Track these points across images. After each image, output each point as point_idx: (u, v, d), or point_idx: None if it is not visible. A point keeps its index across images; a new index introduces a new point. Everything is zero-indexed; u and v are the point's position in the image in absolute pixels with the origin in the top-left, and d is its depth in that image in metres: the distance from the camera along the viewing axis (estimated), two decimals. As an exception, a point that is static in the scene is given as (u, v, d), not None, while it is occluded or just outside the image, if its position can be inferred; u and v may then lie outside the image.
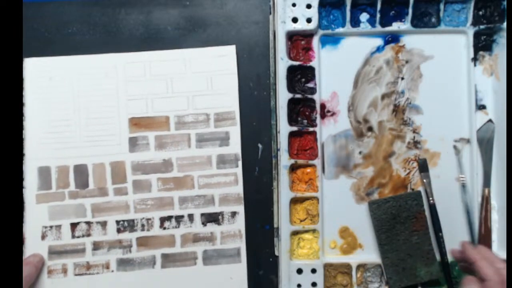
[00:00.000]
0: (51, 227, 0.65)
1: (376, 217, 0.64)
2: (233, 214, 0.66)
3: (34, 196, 0.65)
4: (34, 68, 0.67)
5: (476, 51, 0.66)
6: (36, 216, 0.65)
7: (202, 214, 0.66)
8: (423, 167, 0.65)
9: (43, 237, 0.65)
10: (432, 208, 0.65)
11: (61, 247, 0.65)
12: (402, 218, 0.64)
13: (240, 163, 0.67)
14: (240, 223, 0.66)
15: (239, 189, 0.67)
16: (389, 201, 0.64)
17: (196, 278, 0.65)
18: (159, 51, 0.68)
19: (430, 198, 0.65)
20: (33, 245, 0.65)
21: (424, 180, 0.65)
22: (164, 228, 0.66)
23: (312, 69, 0.66)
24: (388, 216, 0.64)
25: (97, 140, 0.66)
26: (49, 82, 0.67)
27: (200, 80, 0.67)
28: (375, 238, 0.65)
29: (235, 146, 0.67)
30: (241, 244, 0.66)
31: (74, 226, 0.65)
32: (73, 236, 0.65)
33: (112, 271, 0.65)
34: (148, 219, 0.66)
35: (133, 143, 0.66)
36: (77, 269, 0.65)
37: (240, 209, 0.66)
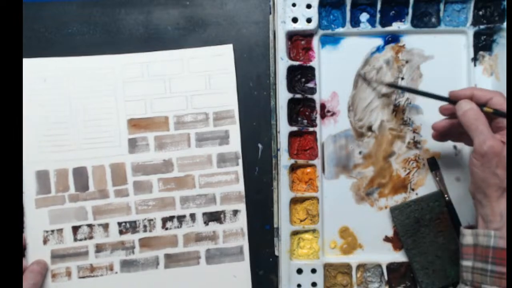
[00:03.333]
0: (52, 231, 0.65)
1: (399, 223, 0.64)
2: (235, 212, 0.67)
3: (33, 201, 0.65)
4: (28, 69, 0.66)
5: (476, 51, 0.66)
6: (36, 220, 0.65)
7: (204, 213, 0.67)
8: (434, 165, 0.66)
9: (45, 241, 0.65)
10: (449, 204, 0.65)
11: (64, 251, 0.65)
12: (426, 220, 0.64)
13: (240, 161, 0.67)
14: (242, 222, 0.67)
15: (240, 187, 0.67)
16: (410, 205, 0.65)
17: (200, 277, 0.66)
18: (156, 52, 0.68)
19: (446, 195, 0.65)
20: (35, 250, 0.65)
21: (437, 178, 0.65)
22: (166, 229, 0.66)
23: (312, 69, 0.66)
24: (412, 221, 0.64)
25: (96, 142, 0.66)
26: (43, 83, 0.67)
27: (198, 80, 0.67)
28: (402, 243, 0.65)
29: (235, 145, 0.67)
30: (244, 242, 0.67)
31: (75, 229, 0.66)
32: (75, 239, 0.66)
33: (116, 272, 0.66)
34: (150, 220, 0.66)
35: (133, 144, 0.67)
36: (81, 272, 0.65)
37: (242, 207, 0.67)
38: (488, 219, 0.51)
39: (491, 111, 0.52)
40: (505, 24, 0.64)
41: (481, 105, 0.53)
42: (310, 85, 0.66)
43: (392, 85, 0.66)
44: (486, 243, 0.50)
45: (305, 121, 0.67)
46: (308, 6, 0.65)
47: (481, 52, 0.66)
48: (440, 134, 0.60)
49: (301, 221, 0.66)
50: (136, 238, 0.66)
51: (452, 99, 0.57)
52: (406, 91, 0.65)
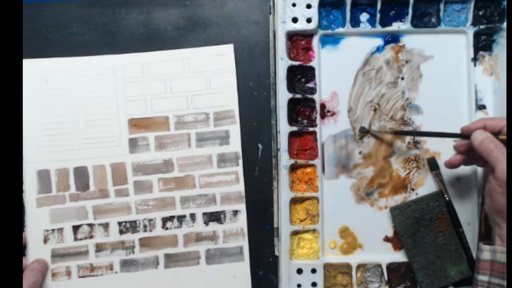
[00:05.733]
0: (53, 230, 0.65)
1: (399, 223, 0.64)
2: (235, 212, 0.67)
3: (34, 200, 0.66)
4: (30, 70, 0.67)
5: (476, 51, 0.66)
6: (37, 219, 0.65)
7: (204, 214, 0.67)
8: (434, 165, 0.66)
9: (45, 240, 0.65)
10: (449, 204, 0.65)
11: (64, 250, 0.65)
12: (426, 220, 0.64)
13: (240, 161, 0.67)
14: (242, 222, 0.67)
15: (240, 187, 0.67)
16: (410, 205, 0.65)
17: (200, 277, 0.66)
18: (157, 51, 0.68)
19: (446, 195, 0.65)
20: (36, 249, 0.65)
21: (437, 178, 0.65)
22: (166, 228, 0.66)
23: (312, 69, 0.66)
24: (412, 221, 0.64)
25: (97, 142, 0.67)
26: (45, 84, 0.67)
27: (199, 80, 0.67)
28: (402, 243, 0.65)
29: (235, 145, 0.67)
30: (244, 243, 0.66)
31: (76, 228, 0.66)
32: (76, 239, 0.66)
33: (116, 272, 0.66)
34: (150, 220, 0.66)
35: (133, 144, 0.67)
36: (81, 271, 0.65)
37: (242, 207, 0.67)
38: (505, 239, 0.53)
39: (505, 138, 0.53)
40: (505, 24, 0.64)
41: (495, 133, 0.54)
42: (310, 85, 0.66)
43: (400, 132, 0.66)
44: (503, 260, 0.52)
45: (305, 121, 0.67)
46: (308, 6, 0.65)
47: (481, 52, 0.66)
48: (454, 166, 0.62)
49: (301, 221, 0.66)
50: (136, 237, 0.66)
51: (465, 134, 0.57)
52: (416, 136, 0.66)
